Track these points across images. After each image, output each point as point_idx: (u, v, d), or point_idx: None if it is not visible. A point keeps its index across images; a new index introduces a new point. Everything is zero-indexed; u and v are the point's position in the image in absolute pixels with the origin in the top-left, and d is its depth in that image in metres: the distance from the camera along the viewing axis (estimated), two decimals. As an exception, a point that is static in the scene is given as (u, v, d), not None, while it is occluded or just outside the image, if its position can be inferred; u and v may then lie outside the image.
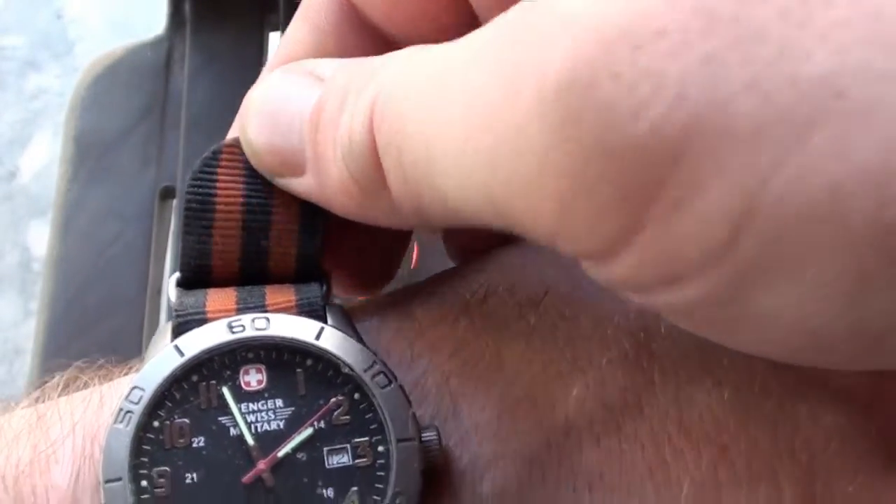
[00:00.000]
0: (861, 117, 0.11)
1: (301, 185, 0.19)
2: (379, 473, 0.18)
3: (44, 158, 1.19)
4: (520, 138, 0.13)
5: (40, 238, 1.11)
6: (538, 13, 0.14)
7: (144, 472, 0.18)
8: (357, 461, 0.18)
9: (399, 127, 0.16)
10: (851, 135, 0.11)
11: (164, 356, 0.18)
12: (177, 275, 0.20)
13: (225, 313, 0.19)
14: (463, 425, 0.19)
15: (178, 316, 0.19)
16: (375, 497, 0.18)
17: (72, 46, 1.28)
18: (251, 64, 0.53)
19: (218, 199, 0.20)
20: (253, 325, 0.19)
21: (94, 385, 0.20)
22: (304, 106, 0.18)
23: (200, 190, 0.20)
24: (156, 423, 0.18)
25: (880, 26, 0.11)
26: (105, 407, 0.19)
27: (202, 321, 0.19)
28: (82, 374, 0.21)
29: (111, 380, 0.21)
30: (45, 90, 1.26)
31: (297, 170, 0.19)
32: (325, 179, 0.18)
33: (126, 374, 0.21)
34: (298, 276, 0.21)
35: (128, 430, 0.18)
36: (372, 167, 0.17)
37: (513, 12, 0.14)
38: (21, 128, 1.22)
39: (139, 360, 0.21)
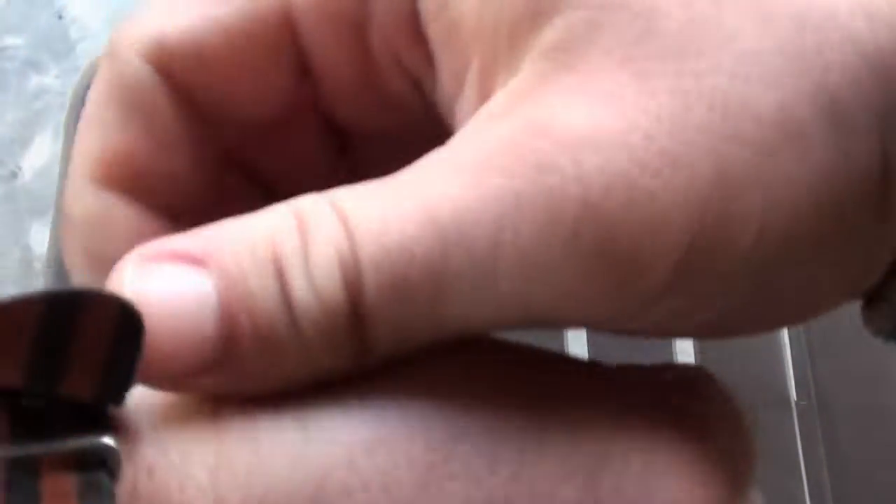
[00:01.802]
0: None
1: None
2: None
3: (45, 158, 1.19)
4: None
5: (42, 237, 1.11)
6: None
7: None
8: None
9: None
10: None
11: None
12: None
13: None
14: None
15: None
16: None
17: (73, 47, 1.29)
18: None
19: None
20: None
21: None
22: (203, 297, 0.16)
23: None
24: None
25: None
26: None
27: None
28: None
29: None
30: (46, 90, 1.26)
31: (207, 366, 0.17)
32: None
33: None
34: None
35: None
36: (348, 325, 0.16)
37: None
38: (22, 128, 1.23)
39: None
